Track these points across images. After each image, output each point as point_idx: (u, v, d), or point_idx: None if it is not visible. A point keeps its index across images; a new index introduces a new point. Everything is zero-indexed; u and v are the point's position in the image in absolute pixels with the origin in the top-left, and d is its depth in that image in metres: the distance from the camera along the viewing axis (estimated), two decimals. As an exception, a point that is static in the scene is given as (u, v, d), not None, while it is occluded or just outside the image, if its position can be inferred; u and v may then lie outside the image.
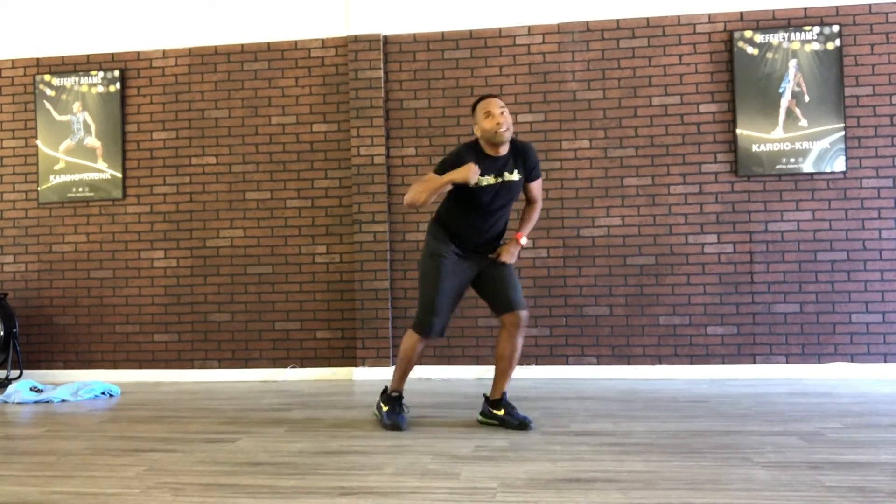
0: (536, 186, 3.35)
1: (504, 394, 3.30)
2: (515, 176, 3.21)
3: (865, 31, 4.81)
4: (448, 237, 3.29)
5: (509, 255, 3.29)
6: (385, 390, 3.47)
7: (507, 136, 3.13)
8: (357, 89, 5.16)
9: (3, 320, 5.16)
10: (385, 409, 3.36)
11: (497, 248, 3.32)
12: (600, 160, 5.00)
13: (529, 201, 3.40)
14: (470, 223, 3.26)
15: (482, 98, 3.20)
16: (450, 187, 3.13)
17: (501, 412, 3.26)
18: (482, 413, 3.37)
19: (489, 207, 3.22)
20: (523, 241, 3.34)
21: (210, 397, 4.46)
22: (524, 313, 3.25)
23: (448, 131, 5.14)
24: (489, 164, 3.16)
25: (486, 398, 3.36)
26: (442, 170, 3.15)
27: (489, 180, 3.16)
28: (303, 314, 5.24)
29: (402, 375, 3.37)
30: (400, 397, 3.39)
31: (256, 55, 5.35)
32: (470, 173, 3.05)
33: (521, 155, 3.24)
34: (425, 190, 3.09)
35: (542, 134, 5.04)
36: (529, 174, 3.28)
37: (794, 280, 4.81)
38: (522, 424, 3.19)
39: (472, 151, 3.18)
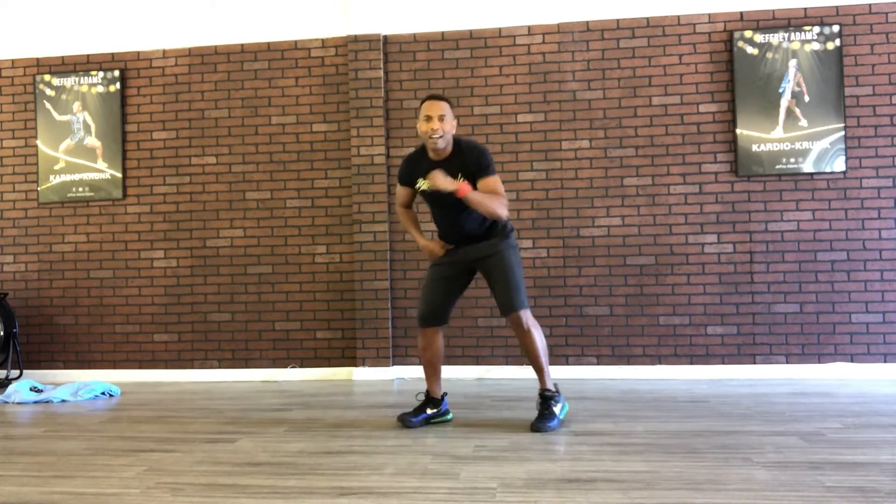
0: (487, 185, 3.16)
1: (543, 390, 3.30)
2: (454, 186, 3.10)
3: (865, 31, 4.81)
4: (439, 237, 3.45)
5: (442, 180, 3.06)
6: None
7: (441, 143, 3.16)
8: (357, 89, 5.16)
9: (3, 320, 5.16)
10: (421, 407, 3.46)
11: (489, 240, 3.31)
12: (600, 160, 5.00)
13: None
14: (446, 223, 3.35)
15: (427, 98, 3.23)
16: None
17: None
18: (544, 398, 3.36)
19: (441, 210, 3.31)
20: (463, 188, 3.07)
21: (210, 397, 4.46)
22: (518, 315, 3.22)
23: (448, 131, 5.13)
24: (429, 168, 3.21)
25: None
26: (399, 180, 3.44)
27: (427, 184, 3.20)
28: (303, 314, 5.24)
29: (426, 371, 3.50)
30: (429, 399, 3.45)
31: (256, 55, 5.35)
32: (435, 251, 3.37)
33: (465, 158, 3.20)
34: (403, 223, 3.60)
35: (542, 134, 5.04)
36: (474, 176, 3.17)
37: (794, 280, 4.81)
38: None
39: (416, 157, 3.33)
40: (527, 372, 4.90)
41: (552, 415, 3.21)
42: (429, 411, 3.39)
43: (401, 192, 3.46)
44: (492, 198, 3.14)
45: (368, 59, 5.15)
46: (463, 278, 3.41)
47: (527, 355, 3.32)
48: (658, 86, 4.98)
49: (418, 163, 3.31)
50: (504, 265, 3.25)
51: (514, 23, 5.12)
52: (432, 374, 3.43)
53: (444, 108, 3.16)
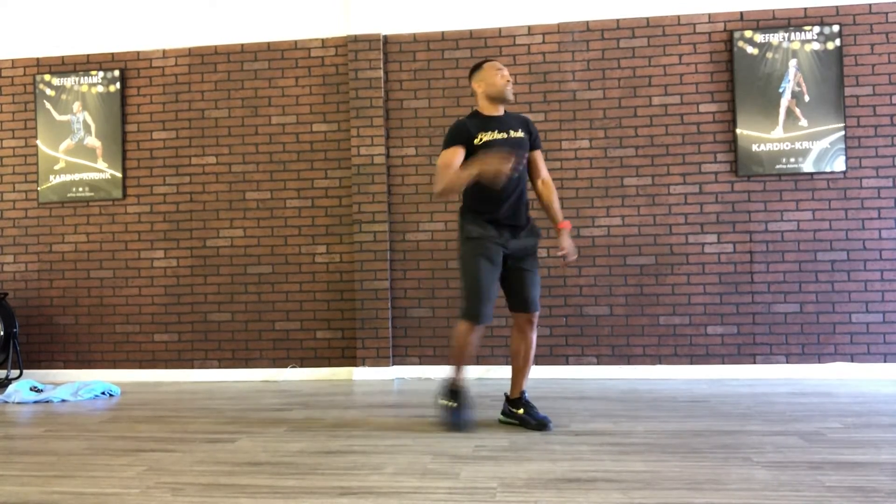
0: (541, 158, 3.35)
1: (523, 392, 3.30)
2: (521, 133, 3.23)
3: (865, 31, 4.81)
4: (482, 221, 3.19)
5: (570, 248, 3.26)
6: (447, 386, 3.32)
7: (511, 98, 3.25)
8: (357, 89, 5.16)
9: (3, 320, 5.16)
10: (450, 403, 3.27)
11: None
12: (600, 160, 5.00)
13: (542, 179, 3.34)
14: (493, 195, 3.14)
15: (486, 60, 3.30)
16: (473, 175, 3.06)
17: (521, 411, 3.25)
18: (503, 413, 3.36)
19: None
20: (567, 225, 3.32)
21: (210, 397, 4.46)
22: (537, 314, 3.28)
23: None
24: (492, 122, 3.21)
25: (507, 397, 3.35)
26: (450, 143, 3.18)
27: (495, 135, 3.16)
28: (303, 314, 5.24)
29: (458, 367, 3.24)
30: (461, 389, 3.28)
31: (256, 55, 5.35)
32: (499, 161, 2.97)
33: (522, 121, 3.31)
34: (449, 187, 3.12)
35: (542, 134, 5.03)
36: (533, 140, 3.30)
37: (794, 280, 4.81)
38: (541, 424, 3.17)
39: (472, 119, 3.24)
40: (527, 372, 4.91)
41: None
42: (466, 399, 3.31)
43: (454, 153, 3.15)
44: (556, 199, 3.39)
45: (368, 59, 5.15)
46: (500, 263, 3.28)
47: (525, 353, 3.28)
48: (658, 86, 4.98)
49: (480, 121, 3.21)
50: (537, 262, 3.30)
51: (514, 23, 5.12)
52: (467, 365, 3.30)
53: None
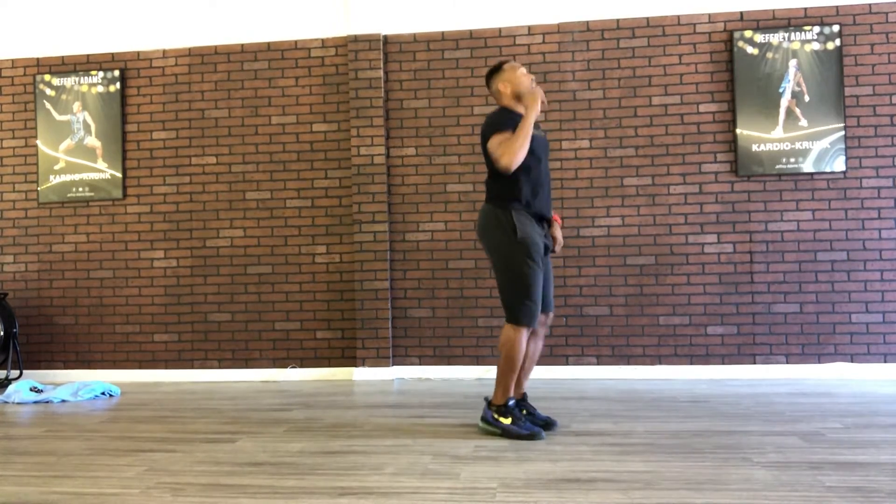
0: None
1: (525, 395, 3.27)
2: (541, 132, 3.30)
3: (865, 31, 4.81)
4: (530, 218, 3.10)
5: (560, 239, 3.32)
6: (490, 404, 3.12)
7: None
8: (357, 89, 5.16)
9: (3, 320, 5.16)
10: (508, 421, 3.05)
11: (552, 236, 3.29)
12: (600, 160, 5.00)
13: None
14: (540, 185, 3.13)
15: (504, 62, 3.29)
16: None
17: (508, 420, 3.04)
18: (484, 419, 3.14)
19: (541, 163, 3.17)
20: (558, 219, 3.36)
21: (210, 397, 4.46)
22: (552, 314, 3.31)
23: (448, 131, 5.13)
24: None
25: (488, 402, 3.14)
26: (501, 129, 3.08)
27: (534, 131, 3.17)
28: (303, 314, 5.24)
29: (512, 377, 3.08)
30: (518, 403, 3.15)
31: (256, 55, 5.35)
32: (537, 94, 3.10)
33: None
34: (520, 144, 3.01)
35: (542, 134, 5.03)
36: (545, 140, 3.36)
37: (794, 280, 4.81)
38: (547, 424, 3.11)
39: (509, 112, 3.20)
40: (527, 372, 4.91)
41: None
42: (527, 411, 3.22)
43: (506, 135, 3.09)
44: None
45: (368, 59, 5.15)
46: None
47: (534, 357, 3.24)
48: (658, 86, 4.98)
49: (517, 116, 3.16)
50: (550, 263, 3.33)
51: (514, 23, 5.12)
52: (522, 373, 3.22)
53: None
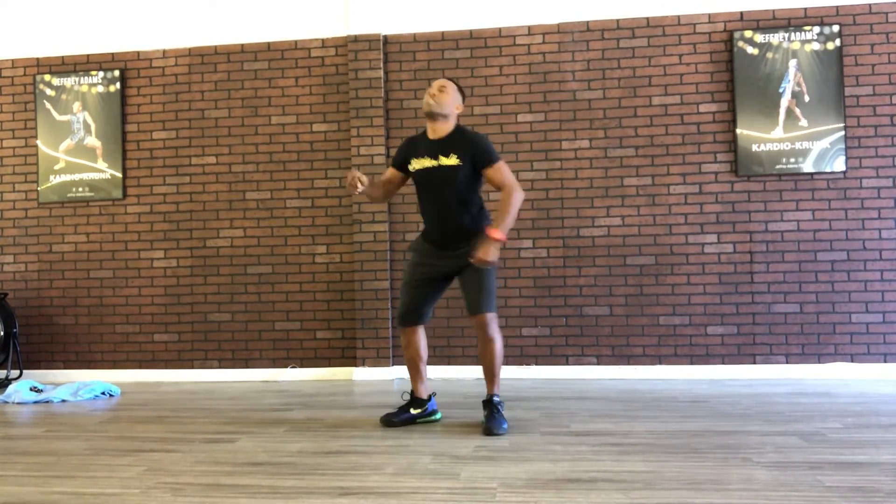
0: (494, 173, 3.18)
1: (492, 395, 3.24)
2: (453, 160, 3.18)
3: (865, 31, 4.81)
4: (423, 236, 3.40)
5: (483, 252, 3.06)
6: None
7: (435, 109, 3.21)
8: (357, 89, 5.16)
9: (3, 320, 5.16)
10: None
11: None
12: (600, 160, 5.00)
13: (499, 190, 3.22)
14: (428, 216, 3.33)
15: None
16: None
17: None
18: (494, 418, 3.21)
19: (430, 194, 3.26)
20: (497, 235, 3.07)
21: (210, 397, 4.46)
22: (484, 318, 3.18)
23: (448, 131, 5.13)
24: (426, 146, 3.28)
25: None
26: (391, 163, 3.44)
27: (424, 163, 3.25)
28: (303, 314, 5.24)
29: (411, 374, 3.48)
30: (413, 399, 3.45)
31: (256, 55, 5.35)
32: (352, 178, 3.17)
33: (465, 141, 3.23)
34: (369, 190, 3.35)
35: (542, 134, 5.04)
36: (475, 162, 3.19)
37: (794, 280, 4.81)
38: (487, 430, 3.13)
39: (416, 138, 3.38)
40: (526, 372, 4.92)
41: (502, 417, 3.19)
42: (413, 411, 3.38)
43: (388, 174, 3.41)
44: (508, 203, 3.14)
45: (368, 59, 5.15)
46: (444, 282, 3.37)
47: (483, 359, 3.25)
48: (658, 86, 4.98)
49: (417, 143, 3.34)
50: (480, 266, 3.16)
51: (514, 23, 5.12)
52: (415, 373, 3.43)
53: (446, 83, 3.30)
